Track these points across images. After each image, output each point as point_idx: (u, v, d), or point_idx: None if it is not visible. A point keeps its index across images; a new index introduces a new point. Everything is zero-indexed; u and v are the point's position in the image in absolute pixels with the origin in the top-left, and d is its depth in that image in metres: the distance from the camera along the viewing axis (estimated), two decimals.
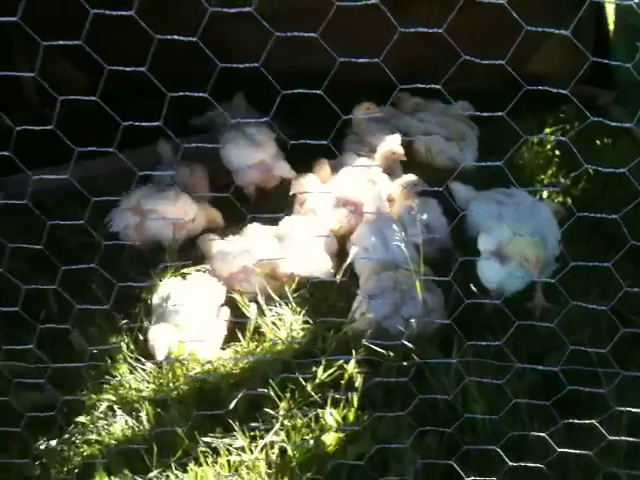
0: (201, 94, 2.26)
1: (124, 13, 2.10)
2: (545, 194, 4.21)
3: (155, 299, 3.42)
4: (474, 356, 2.72)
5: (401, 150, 4.34)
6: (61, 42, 2.17)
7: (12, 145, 2.43)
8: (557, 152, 4.72)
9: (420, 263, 3.15)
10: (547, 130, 5.00)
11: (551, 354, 2.79)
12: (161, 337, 3.15)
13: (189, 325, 3.22)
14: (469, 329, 2.86)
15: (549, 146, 4.79)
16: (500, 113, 2.27)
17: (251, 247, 3.67)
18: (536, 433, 2.30)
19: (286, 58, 2.58)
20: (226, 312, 3.41)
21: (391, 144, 4.39)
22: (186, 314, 3.26)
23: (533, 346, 2.93)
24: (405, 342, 2.81)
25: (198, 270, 3.66)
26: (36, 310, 3.23)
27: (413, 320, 2.99)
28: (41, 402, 2.90)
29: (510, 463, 2.26)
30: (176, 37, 2.17)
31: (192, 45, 2.23)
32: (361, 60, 2.21)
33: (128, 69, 2.20)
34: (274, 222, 3.88)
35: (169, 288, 3.45)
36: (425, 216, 3.47)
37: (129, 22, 2.22)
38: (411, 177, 4.07)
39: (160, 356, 3.09)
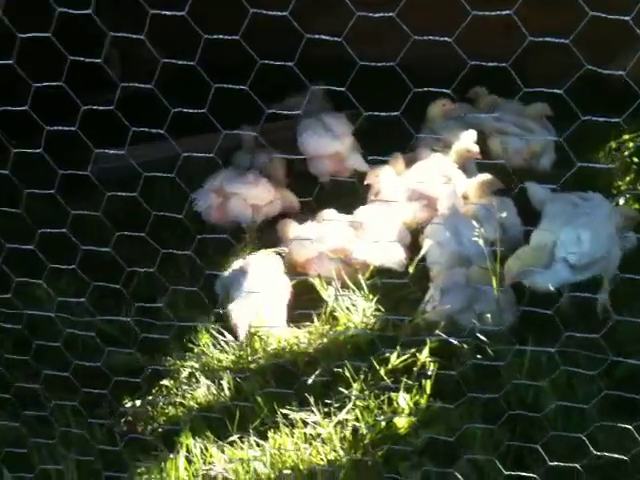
0: None
1: None
2: (622, 201, 4.19)
3: (227, 277, 3.59)
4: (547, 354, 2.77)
5: (476, 148, 4.38)
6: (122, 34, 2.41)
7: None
8: (635, 159, 4.67)
9: (496, 261, 3.22)
10: (625, 136, 4.94)
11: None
12: (241, 313, 3.32)
13: (259, 302, 3.37)
14: (542, 327, 2.93)
15: (627, 152, 4.74)
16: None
17: (327, 233, 3.80)
18: (622, 425, 2.35)
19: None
20: (288, 285, 3.53)
21: (466, 142, 4.43)
22: (255, 292, 3.37)
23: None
24: (480, 335, 2.90)
25: (277, 252, 3.81)
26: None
27: (488, 315, 3.07)
28: (129, 365, 3.11)
29: (595, 452, 2.32)
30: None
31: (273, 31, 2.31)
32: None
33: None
34: (349, 210, 4.01)
35: (237, 267, 3.62)
36: (504, 214, 3.53)
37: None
38: (487, 176, 4.13)
39: (241, 331, 3.25)
